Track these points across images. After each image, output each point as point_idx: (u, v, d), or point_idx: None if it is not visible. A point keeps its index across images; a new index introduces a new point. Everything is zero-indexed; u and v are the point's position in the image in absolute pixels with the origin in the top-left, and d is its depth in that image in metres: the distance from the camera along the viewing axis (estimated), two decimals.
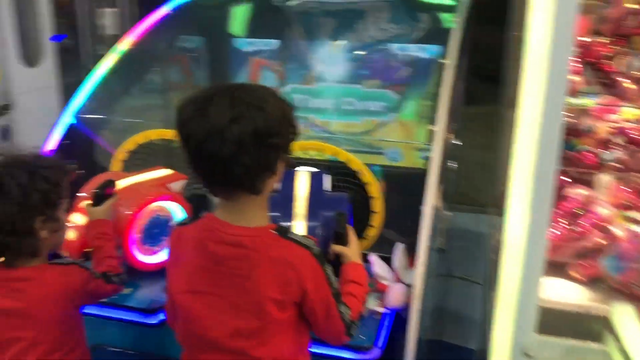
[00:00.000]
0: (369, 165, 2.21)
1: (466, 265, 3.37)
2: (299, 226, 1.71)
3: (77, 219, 1.89)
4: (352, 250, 1.59)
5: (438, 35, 2.68)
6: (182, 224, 1.42)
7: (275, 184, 1.33)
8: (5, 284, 1.48)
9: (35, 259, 1.49)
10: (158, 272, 2.00)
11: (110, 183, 1.84)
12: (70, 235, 1.88)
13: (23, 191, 1.43)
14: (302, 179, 1.92)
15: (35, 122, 3.30)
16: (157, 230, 1.99)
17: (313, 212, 1.74)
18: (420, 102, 2.87)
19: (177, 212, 2.02)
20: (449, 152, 2.69)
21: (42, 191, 1.45)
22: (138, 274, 1.97)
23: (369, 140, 3.01)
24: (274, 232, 1.30)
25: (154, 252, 1.99)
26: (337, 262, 1.58)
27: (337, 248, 1.60)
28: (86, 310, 1.88)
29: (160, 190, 2.00)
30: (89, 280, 1.55)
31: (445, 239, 2.64)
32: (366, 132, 3.10)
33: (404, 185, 2.38)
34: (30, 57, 4.01)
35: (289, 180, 1.90)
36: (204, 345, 1.35)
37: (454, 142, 2.68)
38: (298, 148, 2.02)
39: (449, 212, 2.87)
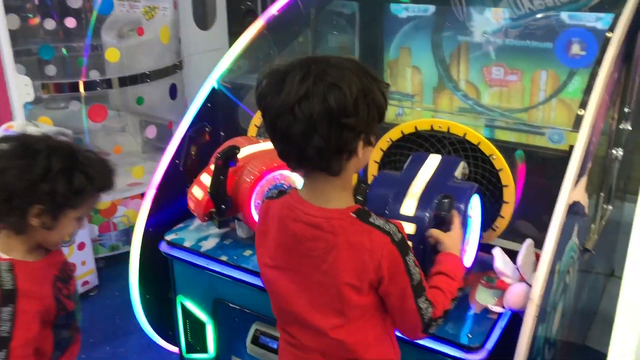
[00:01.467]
0: (515, 148, 2.01)
1: None
2: (408, 208, 1.60)
3: (206, 179, 1.98)
4: (451, 239, 1.47)
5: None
6: (270, 197, 1.39)
7: (359, 165, 1.25)
8: None
9: (17, 240, 1.46)
10: None
11: (234, 149, 1.89)
12: (198, 195, 1.99)
13: (43, 173, 1.38)
14: (432, 161, 1.79)
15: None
16: None
17: (429, 196, 1.61)
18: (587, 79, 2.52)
19: (299, 181, 2.02)
20: (615, 139, 2.36)
21: (57, 189, 1.39)
22: None
23: (523, 119, 2.75)
24: (354, 215, 1.23)
25: None
26: (435, 250, 1.47)
27: (434, 233, 1.49)
28: (211, 267, 2.01)
29: None
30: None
31: (599, 236, 2.33)
32: (524, 109, 2.83)
33: (553, 172, 2.14)
34: (203, 20, 4.30)
35: (419, 161, 1.79)
36: (288, 317, 1.36)
37: (621, 127, 2.33)
38: (424, 125, 1.89)
39: (609, 205, 2.53)
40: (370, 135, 1.20)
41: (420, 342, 1.60)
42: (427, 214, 1.57)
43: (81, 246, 3.12)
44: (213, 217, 1.97)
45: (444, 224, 1.52)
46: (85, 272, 3.17)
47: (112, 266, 3.38)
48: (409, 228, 1.58)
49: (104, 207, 3.30)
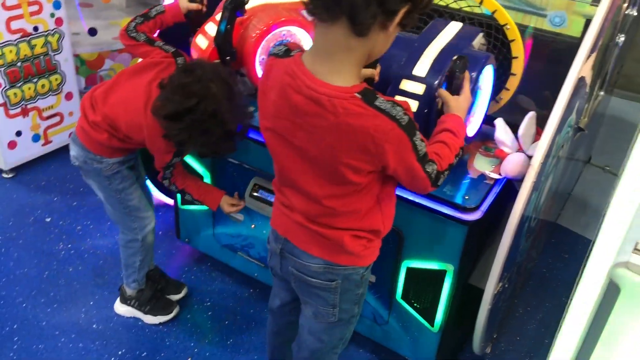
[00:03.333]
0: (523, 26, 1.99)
1: (609, 154, 3.09)
2: (420, 69, 1.59)
3: (211, 29, 1.92)
4: (458, 102, 1.47)
5: None
6: (275, 54, 1.28)
7: (379, 46, 1.16)
8: None
9: None
10: None
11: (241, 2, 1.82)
12: (202, 44, 1.93)
13: (203, 91, 1.62)
14: (452, 28, 1.76)
15: None
16: None
17: (443, 59, 1.60)
18: None
19: (304, 39, 1.99)
20: (620, 25, 2.34)
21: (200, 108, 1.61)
22: None
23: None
24: (359, 95, 1.14)
25: None
26: (440, 113, 1.48)
27: (442, 93, 1.48)
28: None
29: (292, 14, 1.95)
30: None
31: (589, 119, 2.39)
32: None
33: (554, 54, 2.14)
34: None
35: (438, 27, 1.76)
36: (286, 180, 1.36)
37: (628, 12, 2.31)
38: None
39: (602, 91, 2.57)
40: (408, 15, 1.11)
41: (421, 202, 1.68)
42: (439, 77, 1.57)
43: (69, 96, 3.06)
44: None
45: (454, 86, 1.51)
46: (72, 122, 3.13)
47: None
48: (419, 88, 1.58)
49: (90, 59, 3.20)
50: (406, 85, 1.59)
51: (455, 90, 1.51)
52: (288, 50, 1.27)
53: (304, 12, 1.99)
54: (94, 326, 2.17)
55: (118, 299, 2.23)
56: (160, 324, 2.19)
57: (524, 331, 2.29)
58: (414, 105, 1.57)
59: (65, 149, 3.15)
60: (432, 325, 1.89)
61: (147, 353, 2.08)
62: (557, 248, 2.72)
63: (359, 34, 1.09)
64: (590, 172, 3.20)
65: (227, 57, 1.88)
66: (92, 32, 3.25)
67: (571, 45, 1.79)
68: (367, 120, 1.14)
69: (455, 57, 1.53)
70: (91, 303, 2.27)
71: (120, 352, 2.08)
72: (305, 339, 1.57)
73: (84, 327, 2.17)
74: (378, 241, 1.42)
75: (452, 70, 1.51)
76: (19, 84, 2.80)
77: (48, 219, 2.69)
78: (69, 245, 2.54)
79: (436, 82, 1.57)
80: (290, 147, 1.26)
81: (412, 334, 1.96)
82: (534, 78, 1.97)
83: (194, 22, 2.01)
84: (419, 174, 1.25)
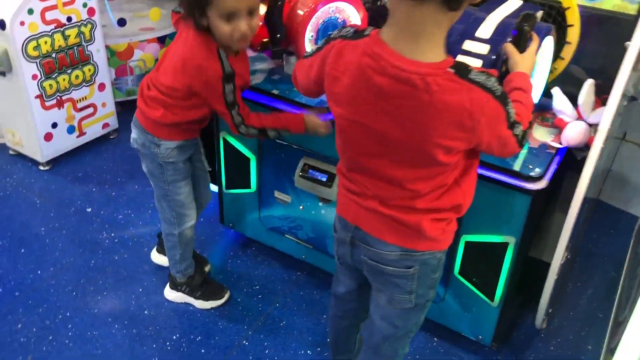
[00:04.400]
0: None
1: None
2: (484, 31, 1.57)
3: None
4: (523, 58, 1.42)
5: None
6: (344, 37, 1.21)
7: (454, 18, 1.12)
8: None
9: None
10: None
11: None
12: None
13: None
14: (511, 3, 1.73)
15: None
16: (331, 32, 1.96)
17: (505, 26, 1.58)
18: None
19: (353, 16, 1.96)
20: None
21: None
22: None
23: None
24: (452, 70, 1.09)
25: None
26: (505, 71, 1.44)
27: (509, 48, 1.44)
28: (262, 101, 1.99)
29: None
30: None
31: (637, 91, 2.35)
32: None
33: (607, 30, 2.10)
34: None
35: (497, 2, 1.74)
36: (355, 165, 1.30)
37: None
38: None
39: None
40: None
41: (482, 172, 1.65)
42: (504, 39, 1.54)
43: (101, 87, 3.05)
44: (266, 47, 1.92)
45: (521, 41, 1.46)
46: (105, 114, 3.13)
47: (128, 111, 3.32)
48: (482, 48, 1.55)
49: (120, 50, 3.19)
50: (469, 45, 1.57)
51: (522, 46, 1.46)
52: (357, 31, 1.20)
53: None
54: (146, 312, 2.17)
55: (168, 285, 2.22)
56: (211, 308, 2.18)
57: (576, 306, 2.26)
58: (477, 64, 1.54)
59: (99, 141, 3.16)
60: (492, 300, 1.86)
61: (201, 337, 2.07)
62: (602, 224, 2.69)
63: (454, 8, 1.06)
64: (626, 148, 3.17)
65: (278, 35, 1.87)
66: (122, 22, 3.24)
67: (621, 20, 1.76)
68: (462, 95, 1.09)
69: (523, 13, 1.50)
70: (140, 290, 2.26)
71: (174, 337, 2.07)
72: (379, 325, 1.51)
73: (135, 313, 2.16)
74: (455, 222, 1.37)
75: (520, 26, 1.47)
76: (54, 75, 2.79)
77: (89, 210, 2.68)
78: (112, 234, 2.54)
79: (501, 43, 1.53)
80: (369, 131, 1.20)
81: (470, 310, 1.94)
82: (585, 48, 1.95)
83: None
84: (509, 140, 1.22)
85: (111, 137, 3.22)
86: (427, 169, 1.20)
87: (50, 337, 2.05)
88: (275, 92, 1.98)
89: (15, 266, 2.35)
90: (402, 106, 1.12)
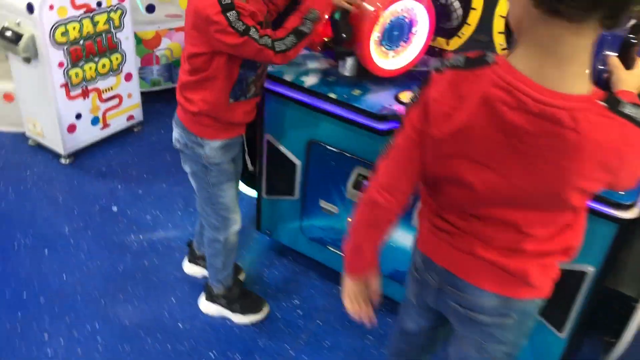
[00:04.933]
0: None
1: None
2: None
3: None
4: (631, 75, 1.26)
5: None
6: (456, 66, 1.02)
7: None
8: None
9: None
10: (390, 79, 1.87)
11: None
12: None
13: None
14: None
15: None
16: (397, 33, 1.81)
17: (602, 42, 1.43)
18: None
19: (422, 17, 1.81)
20: None
21: None
22: (371, 77, 1.84)
23: None
24: (604, 103, 0.94)
25: (389, 55, 1.83)
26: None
27: (614, 62, 1.28)
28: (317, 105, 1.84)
29: None
30: None
31: None
32: None
33: None
34: None
35: None
36: (463, 208, 1.12)
37: None
38: None
39: None
40: None
41: None
42: (601, 52, 1.39)
43: (128, 77, 2.89)
44: (328, 46, 1.77)
45: (628, 57, 1.30)
46: (131, 105, 2.97)
47: (152, 103, 3.17)
48: None
49: (147, 37, 3.02)
50: None
51: (629, 61, 1.30)
52: (471, 58, 1.01)
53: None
54: (180, 325, 2.03)
55: (203, 295, 2.08)
56: (250, 323, 2.04)
57: None
58: None
59: (123, 134, 3.00)
60: (560, 332, 1.73)
61: (240, 356, 1.93)
62: None
63: (614, 26, 0.90)
64: None
65: (343, 35, 1.71)
66: (151, 8, 3.07)
67: None
68: (614, 132, 0.94)
69: (633, 23, 1.35)
70: (173, 299, 2.12)
71: (212, 354, 1.93)
72: None
73: (169, 326, 2.02)
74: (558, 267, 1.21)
75: (627, 39, 1.32)
76: (81, 63, 2.63)
77: (114, 208, 2.53)
78: (141, 237, 2.39)
79: (600, 55, 1.38)
80: (488, 172, 1.03)
81: (534, 339, 1.80)
82: None
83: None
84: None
85: (135, 130, 3.06)
86: (553, 212, 1.05)
87: (79, 351, 1.91)
88: (332, 95, 1.83)
89: (40, 269, 2.21)
90: (540, 146, 0.96)
